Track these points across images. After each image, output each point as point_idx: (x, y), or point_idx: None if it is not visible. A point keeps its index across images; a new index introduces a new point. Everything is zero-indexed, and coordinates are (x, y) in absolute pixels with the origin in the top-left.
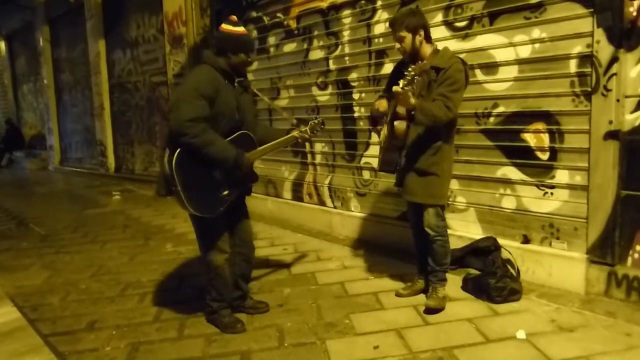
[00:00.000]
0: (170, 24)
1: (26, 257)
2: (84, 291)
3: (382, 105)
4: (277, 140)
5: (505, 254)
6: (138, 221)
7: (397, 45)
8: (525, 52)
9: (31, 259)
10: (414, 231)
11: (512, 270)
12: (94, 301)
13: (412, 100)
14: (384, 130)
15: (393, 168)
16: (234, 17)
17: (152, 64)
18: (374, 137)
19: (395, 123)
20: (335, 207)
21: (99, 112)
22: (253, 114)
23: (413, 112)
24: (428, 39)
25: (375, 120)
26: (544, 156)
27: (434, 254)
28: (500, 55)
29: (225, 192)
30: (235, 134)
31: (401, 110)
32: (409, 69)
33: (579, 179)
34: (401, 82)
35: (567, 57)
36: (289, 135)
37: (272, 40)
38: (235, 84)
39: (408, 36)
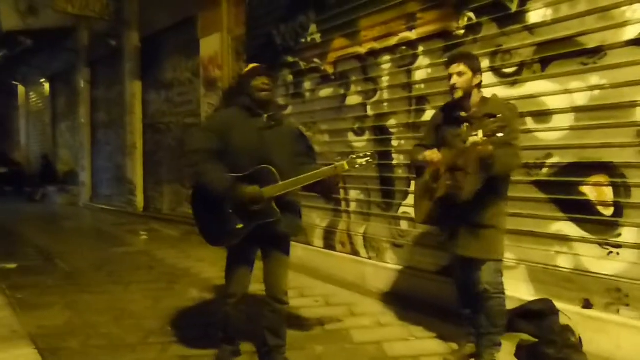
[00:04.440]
0: (206, 68)
1: (50, 295)
2: (104, 336)
3: (436, 155)
4: (302, 176)
5: (564, 320)
6: (163, 263)
7: (454, 80)
8: (582, 99)
9: (54, 297)
10: (460, 289)
11: (572, 339)
12: (115, 348)
13: (492, 149)
14: (430, 179)
15: (437, 221)
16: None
17: (186, 105)
18: (414, 186)
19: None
20: (369, 258)
21: (131, 151)
22: (288, 150)
23: (489, 162)
24: (480, 85)
25: (419, 169)
26: (607, 212)
27: (490, 313)
28: (553, 102)
29: (239, 226)
30: (254, 169)
31: (462, 161)
32: (490, 121)
33: None
34: (480, 132)
35: (632, 105)
36: (318, 170)
37: (307, 85)
38: (264, 118)
39: (468, 73)
